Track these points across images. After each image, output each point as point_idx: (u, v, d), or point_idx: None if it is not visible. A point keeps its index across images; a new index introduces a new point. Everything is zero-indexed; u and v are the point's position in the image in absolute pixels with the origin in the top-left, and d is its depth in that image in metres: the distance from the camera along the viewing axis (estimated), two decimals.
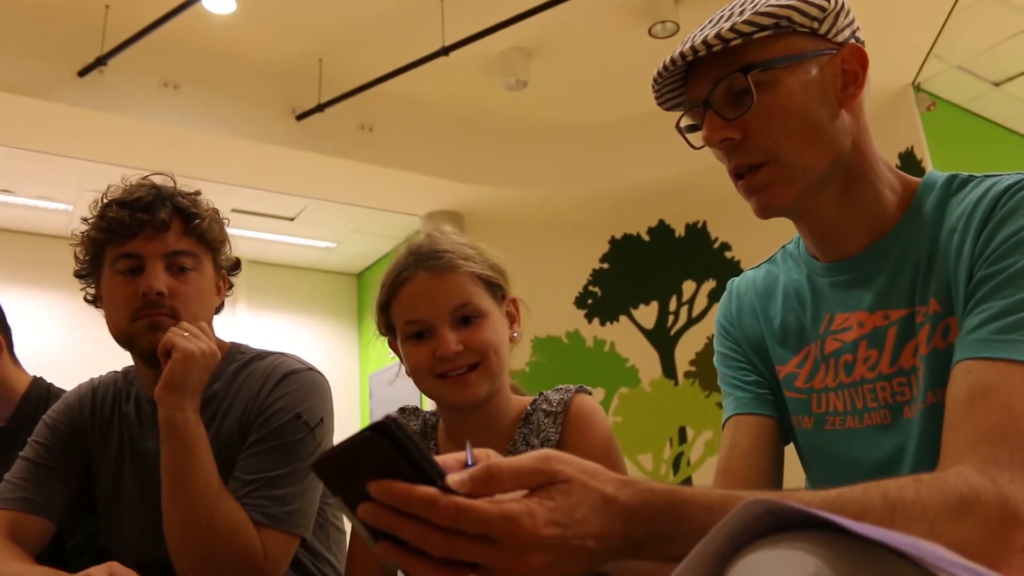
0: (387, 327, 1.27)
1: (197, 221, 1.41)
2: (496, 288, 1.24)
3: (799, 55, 0.96)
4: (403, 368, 1.25)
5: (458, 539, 0.61)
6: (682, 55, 0.97)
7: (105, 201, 1.39)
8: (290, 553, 1.31)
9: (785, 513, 0.58)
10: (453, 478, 0.62)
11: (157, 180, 1.43)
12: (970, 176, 0.98)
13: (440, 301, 1.18)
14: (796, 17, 0.95)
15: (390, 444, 0.60)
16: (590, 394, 1.26)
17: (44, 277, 6.85)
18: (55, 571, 1.20)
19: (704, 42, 0.95)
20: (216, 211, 1.47)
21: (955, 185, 0.98)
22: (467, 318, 1.19)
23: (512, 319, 1.28)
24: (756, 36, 0.95)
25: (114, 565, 1.10)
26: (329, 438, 1.39)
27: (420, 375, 1.20)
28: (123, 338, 1.39)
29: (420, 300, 1.19)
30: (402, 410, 1.34)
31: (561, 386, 1.26)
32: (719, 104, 0.98)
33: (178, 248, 1.38)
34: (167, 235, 1.37)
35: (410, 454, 0.60)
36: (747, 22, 0.94)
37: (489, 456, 0.73)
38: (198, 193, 1.46)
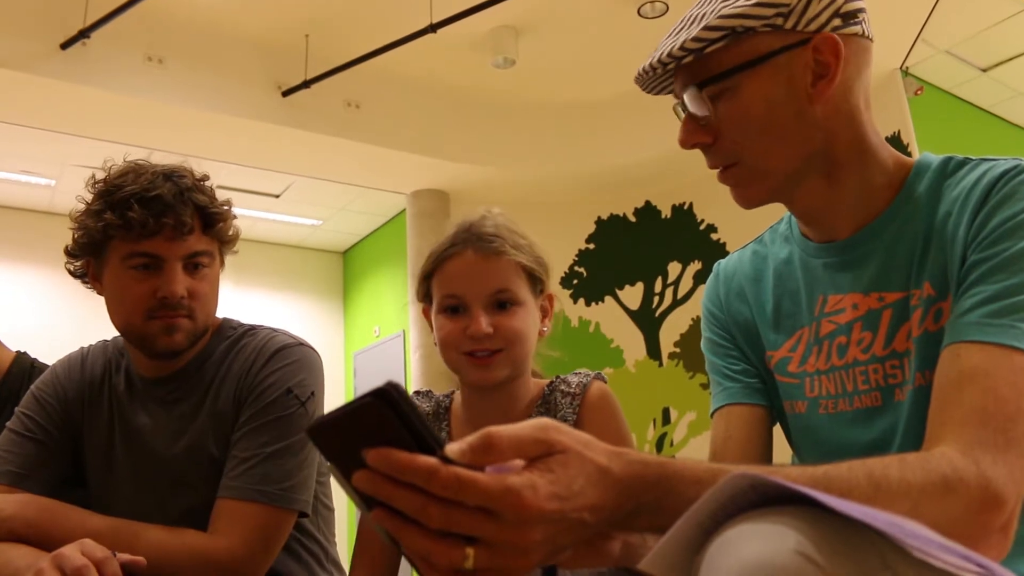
0: (425, 295, 1.29)
1: (221, 225, 1.39)
2: (537, 281, 1.26)
3: (757, 59, 0.93)
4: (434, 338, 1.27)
5: (457, 511, 0.59)
6: (648, 69, 0.99)
7: (112, 187, 1.32)
8: (287, 529, 1.31)
9: (768, 488, 0.58)
10: (452, 448, 0.61)
11: (164, 165, 1.38)
12: (965, 159, 0.97)
13: (481, 282, 1.20)
14: (750, 22, 0.92)
15: (390, 411, 0.58)
16: (605, 381, 1.28)
17: (27, 253, 6.79)
18: (33, 549, 1.19)
19: (660, 60, 0.96)
20: (229, 203, 1.44)
21: (950, 168, 0.98)
22: (503, 303, 1.21)
23: (545, 313, 1.30)
24: (708, 50, 0.94)
25: (86, 542, 1.09)
26: (320, 412, 1.38)
27: (447, 347, 1.22)
28: (134, 335, 1.36)
29: (462, 277, 1.21)
30: (416, 393, 1.35)
31: (580, 370, 1.29)
32: (689, 109, 0.98)
33: (198, 249, 1.36)
34: (188, 237, 1.34)
35: (410, 422, 0.59)
36: (696, 38, 0.93)
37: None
38: (206, 178, 1.42)
